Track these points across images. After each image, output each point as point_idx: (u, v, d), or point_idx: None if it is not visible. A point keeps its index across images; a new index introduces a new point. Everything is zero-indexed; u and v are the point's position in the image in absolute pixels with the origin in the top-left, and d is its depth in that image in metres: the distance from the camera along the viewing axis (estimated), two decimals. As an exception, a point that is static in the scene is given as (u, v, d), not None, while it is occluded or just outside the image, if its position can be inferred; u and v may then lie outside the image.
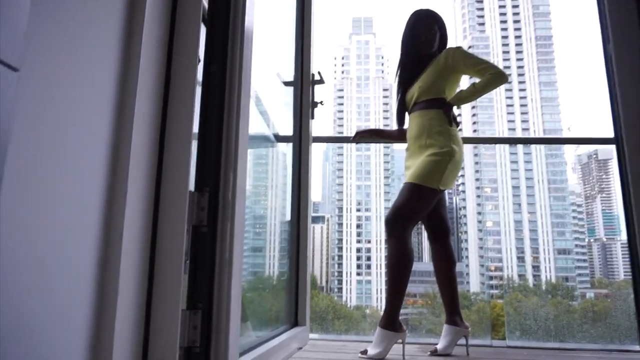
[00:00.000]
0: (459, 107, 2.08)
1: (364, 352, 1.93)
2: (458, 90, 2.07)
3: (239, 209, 1.05)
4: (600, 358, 2.16)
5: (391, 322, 1.89)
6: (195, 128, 1.06)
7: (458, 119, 2.12)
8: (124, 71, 0.83)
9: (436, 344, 2.09)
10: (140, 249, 0.84)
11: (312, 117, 2.25)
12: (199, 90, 1.05)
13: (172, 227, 0.90)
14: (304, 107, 2.21)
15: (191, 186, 1.00)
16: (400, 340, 1.92)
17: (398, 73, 2.21)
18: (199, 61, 1.03)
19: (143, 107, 0.87)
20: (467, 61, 1.98)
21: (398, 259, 1.86)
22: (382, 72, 61.90)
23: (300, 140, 2.20)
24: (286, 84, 2.21)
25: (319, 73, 2.37)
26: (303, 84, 2.24)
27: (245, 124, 1.10)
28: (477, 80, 1.98)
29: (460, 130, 2.14)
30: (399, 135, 2.25)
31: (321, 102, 2.22)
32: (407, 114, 2.20)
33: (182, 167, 0.95)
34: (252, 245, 1.97)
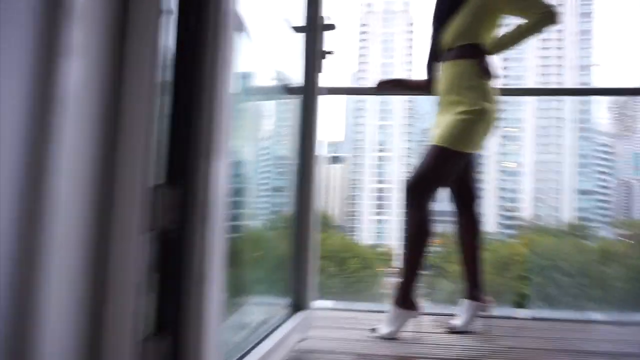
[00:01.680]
0: (496, 53, 1.76)
1: (374, 330, 1.79)
2: (499, 34, 1.79)
3: (221, 207, 0.83)
4: (630, 332, 2.07)
5: (406, 299, 1.75)
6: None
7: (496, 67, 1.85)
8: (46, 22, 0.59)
9: (453, 315, 1.94)
10: (78, 264, 0.64)
11: (320, 70, 1.95)
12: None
13: (125, 232, 0.69)
14: (309, 57, 1.94)
15: (159, 180, 0.79)
16: (415, 318, 1.78)
17: (433, 17, 1.93)
18: (167, 12, 0.77)
19: (78, 75, 0.63)
20: (509, 1, 1.71)
21: (417, 232, 1.70)
22: (408, 4, 58.66)
23: (307, 94, 1.94)
24: (297, 29, 1.98)
25: (328, 18, 2.08)
26: (310, 30, 1.99)
27: (227, 98, 0.84)
28: (522, 22, 1.71)
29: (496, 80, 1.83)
30: (427, 87, 2.00)
31: (330, 52, 1.95)
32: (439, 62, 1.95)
33: (139, 154, 0.70)
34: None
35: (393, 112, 59.07)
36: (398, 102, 57.44)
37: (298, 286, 1.83)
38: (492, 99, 1.74)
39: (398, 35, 59.02)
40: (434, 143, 1.74)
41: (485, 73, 1.76)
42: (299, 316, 1.73)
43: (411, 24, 60.63)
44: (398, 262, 1.97)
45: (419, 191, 1.71)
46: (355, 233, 57.15)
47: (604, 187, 47.82)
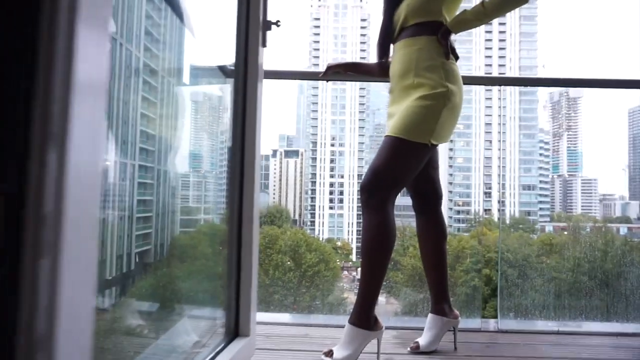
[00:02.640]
0: (456, 33, 1.53)
1: (329, 353, 1.50)
2: (460, 11, 1.55)
3: (78, 223, 0.51)
4: (601, 344, 2.03)
5: (365, 318, 1.46)
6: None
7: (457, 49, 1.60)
8: None
9: (418, 329, 1.75)
10: None
11: (264, 45, 1.56)
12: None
13: None
14: (250, 29, 1.52)
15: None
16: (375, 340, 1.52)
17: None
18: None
19: None
20: None
21: (376, 239, 1.41)
22: (361, 0, 59.24)
23: (246, 74, 1.54)
24: None
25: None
26: None
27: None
28: None
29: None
30: (379, 71, 1.73)
31: (277, 23, 1.59)
32: (392, 44, 1.67)
33: None
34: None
35: (346, 106, 59.80)
36: (350, 96, 58.16)
37: (235, 306, 1.49)
38: (457, 81, 1.49)
39: (351, 30, 59.67)
40: (390, 134, 1.44)
41: (449, 51, 1.50)
42: (238, 344, 1.41)
43: (364, 20, 61.46)
44: (358, 274, 1.78)
45: (376, 192, 1.41)
46: (312, 227, 57.66)
47: (544, 182, 50.94)
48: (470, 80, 2.25)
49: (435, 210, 1.68)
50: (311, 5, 59.50)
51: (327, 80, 1.92)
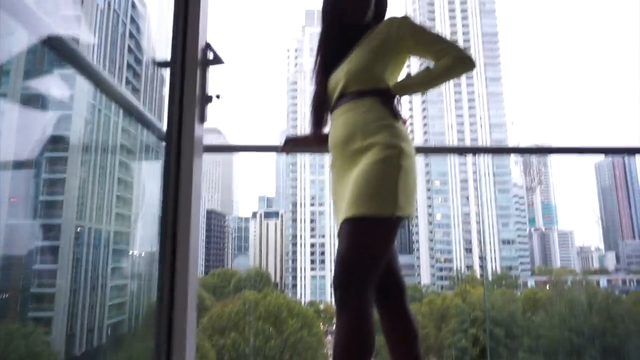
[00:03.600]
0: (401, 96, 1.40)
1: None
2: (404, 76, 1.42)
3: None
4: None
5: None
6: None
7: (407, 114, 1.46)
8: None
9: None
10: None
11: (202, 120, 1.46)
12: None
13: None
14: (185, 101, 1.40)
15: None
16: None
17: (317, 55, 1.49)
18: None
19: None
20: (420, 36, 1.34)
21: (353, 344, 1.17)
22: (335, 66, 61.97)
23: (180, 149, 1.42)
24: (160, 64, 1.47)
25: (211, 49, 1.52)
26: (185, 66, 1.41)
27: None
28: (432, 64, 1.37)
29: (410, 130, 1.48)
30: (315, 141, 1.55)
31: (217, 96, 1.48)
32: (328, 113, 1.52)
33: None
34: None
35: (325, 165, 60.59)
36: (329, 154, 58.95)
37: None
38: (409, 141, 1.32)
39: (327, 94, 61.70)
40: (346, 217, 1.24)
41: (395, 112, 1.34)
42: None
43: (339, 84, 63.83)
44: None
45: (350, 286, 1.20)
46: (294, 290, 56.07)
47: (522, 236, 51.57)
48: (442, 151, 2.22)
49: (401, 306, 1.40)
50: (288, 70, 62.03)
51: (287, 153, 1.77)
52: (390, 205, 1.21)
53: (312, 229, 59.70)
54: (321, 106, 1.49)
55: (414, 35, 1.35)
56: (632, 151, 2.17)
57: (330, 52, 1.47)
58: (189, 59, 1.40)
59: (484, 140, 60.19)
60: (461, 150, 2.66)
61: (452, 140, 57.41)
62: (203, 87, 1.43)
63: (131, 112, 1.68)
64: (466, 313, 15.25)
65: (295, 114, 60.25)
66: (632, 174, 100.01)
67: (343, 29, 1.45)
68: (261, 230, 79.98)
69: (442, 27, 59.76)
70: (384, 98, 1.35)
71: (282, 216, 76.72)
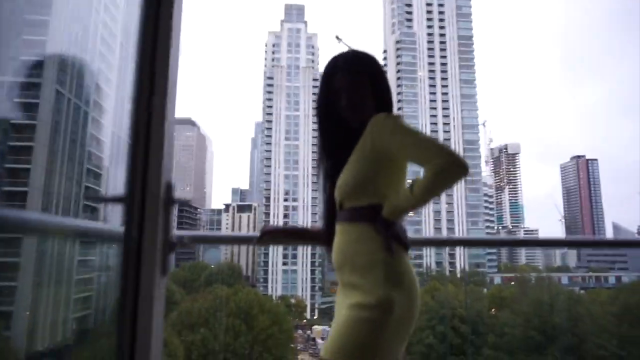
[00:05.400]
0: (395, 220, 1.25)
1: None
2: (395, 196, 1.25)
3: None
4: None
5: None
6: None
7: None
8: None
9: None
10: None
11: (164, 272, 1.23)
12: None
13: None
14: (145, 253, 1.18)
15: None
16: None
17: (319, 158, 1.37)
18: None
19: None
20: (399, 140, 1.17)
21: None
22: (313, 62, 61.88)
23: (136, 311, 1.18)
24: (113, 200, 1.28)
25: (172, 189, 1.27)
26: (145, 205, 1.18)
27: None
28: (418, 173, 1.23)
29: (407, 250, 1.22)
30: (326, 240, 1.38)
31: (183, 240, 1.33)
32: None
33: None
34: None
35: (299, 161, 60.62)
36: (303, 151, 59.21)
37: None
38: (402, 282, 1.15)
39: (303, 89, 61.72)
40: (323, 356, 1.14)
41: (389, 245, 1.18)
42: None
43: (316, 80, 63.88)
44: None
45: None
46: (264, 284, 55.97)
47: (491, 234, 52.92)
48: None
49: None
50: (265, 65, 61.52)
51: (263, 246, 1.62)
52: None
53: (286, 224, 59.30)
54: (330, 215, 1.31)
55: (392, 139, 1.17)
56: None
57: (330, 156, 1.32)
58: (150, 197, 1.16)
59: (456, 141, 61.43)
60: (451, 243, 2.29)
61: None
62: (167, 232, 1.19)
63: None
64: (434, 310, 15.55)
65: (270, 109, 59.84)
66: (595, 176, 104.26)
67: (338, 130, 1.29)
68: (234, 223, 79.40)
69: (419, 30, 60.45)
70: (378, 224, 1.18)
71: (255, 209, 76.49)
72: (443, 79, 60.56)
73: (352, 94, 1.23)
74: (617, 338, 11.45)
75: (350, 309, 1.11)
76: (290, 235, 1.52)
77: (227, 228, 76.21)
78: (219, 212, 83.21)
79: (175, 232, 1.21)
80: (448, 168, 1.10)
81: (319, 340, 28.69)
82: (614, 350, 11.43)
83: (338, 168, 1.27)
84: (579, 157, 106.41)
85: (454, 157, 1.09)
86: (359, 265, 1.15)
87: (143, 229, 1.15)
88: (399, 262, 1.16)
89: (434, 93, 59.99)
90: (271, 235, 1.48)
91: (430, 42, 59.84)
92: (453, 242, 2.15)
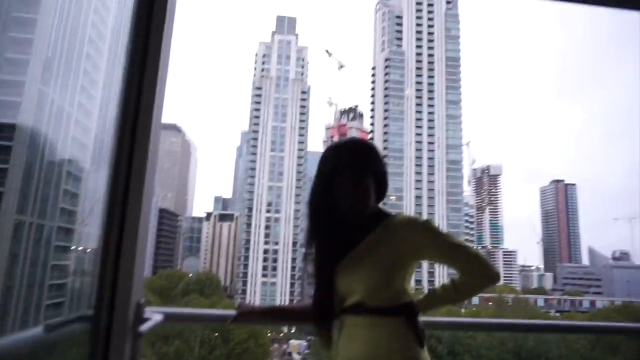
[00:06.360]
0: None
1: None
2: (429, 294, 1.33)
3: None
4: None
5: None
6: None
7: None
8: None
9: None
10: None
11: None
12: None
13: None
14: None
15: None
16: None
17: (309, 246, 1.32)
18: None
19: None
20: (443, 244, 1.21)
21: None
22: (302, 74, 62.24)
23: None
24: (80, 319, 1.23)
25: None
26: (112, 330, 1.11)
27: None
28: (453, 274, 1.30)
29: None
30: (301, 316, 1.40)
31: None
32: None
33: None
34: None
35: (284, 173, 60.49)
36: (288, 163, 59.19)
37: None
38: None
39: (291, 101, 61.94)
40: None
41: (422, 339, 1.21)
42: None
43: (305, 92, 64.27)
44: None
45: None
46: (243, 295, 55.19)
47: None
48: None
49: None
50: (254, 75, 61.61)
51: (238, 324, 1.54)
52: None
53: (267, 235, 59.16)
54: (326, 306, 1.29)
55: (434, 242, 1.21)
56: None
57: (326, 254, 1.28)
58: (117, 321, 1.07)
59: (440, 160, 62.21)
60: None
61: (410, 157, 58.93)
62: (136, 323, 1.11)
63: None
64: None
65: (257, 119, 59.82)
66: (573, 200, 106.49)
67: (339, 227, 1.27)
68: (214, 232, 78.45)
69: (408, 49, 61.45)
70: (409, 318, 1.21)
71: (236, 219, 75.69)
72: (430, 98, 61.48)
73: (356, 201, 1.22)
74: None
75: None
76: (269, 316, 1.48)
77: (207, 237, 75.22)
78: (199, 220, 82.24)
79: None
80: (486, 278, 1.18)
81: (295, 356, 28.25)
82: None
83: (329, 253, 1.25)
84: (558, 181, 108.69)
85: (489, 268, 1.19)
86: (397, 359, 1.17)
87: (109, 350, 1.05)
88: (426, 355, 1.21)
89: (420, 112, 60.82)
90: (248, 317, 1.43)
91: (418, 61, 60.85)
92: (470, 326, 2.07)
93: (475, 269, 1.19)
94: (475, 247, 1.19)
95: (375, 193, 1.24)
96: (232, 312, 1.36)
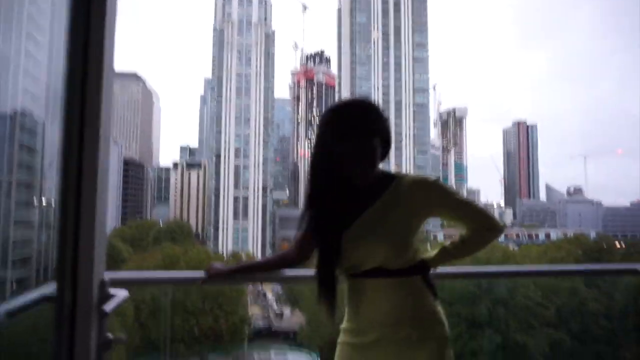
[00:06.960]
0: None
1: None
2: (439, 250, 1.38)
3: None
4: None
5: None
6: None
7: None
8: None
9: None
10: None
11: None
12: None
13: None
14: (77, 351, 1.03)
15: None
16: None
17: (311, 209, 1.29)
18: None
19: None
20: (452, 202, 1.29)
21: None
22: (266, 18, 59.73)
23: None
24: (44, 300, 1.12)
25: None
26: (77, 303, 1.04)
27: None
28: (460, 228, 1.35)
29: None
30: (267, 268, 1.51)
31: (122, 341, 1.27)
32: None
33: None
34: None
35: (251, 119, 59.43)
36: (255, 109, 58.05)
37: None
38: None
39: (255, 46, 59.68)
40: None
41: (435, 291, 1.29)
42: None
43: (268, 36, 61.93)
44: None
45: None
46: (215, 241, 55.76)
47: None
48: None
49: None
50: (215, 19, 58.58)
51: (209, 284, 1.58)
52: None
53: (236, 182, 59.00)
54: (331, 275, 1.29)
55: (444, 201, 1.27)
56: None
57: (332, 216, 1.27)
58: (81, 296, 1.04)
59: (407, 104, 62.46)
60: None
61: (377, 101, 58.75)
62: (102, 334, 1.09)
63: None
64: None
65: (221, 65, 57.62)
66: (534, 141, 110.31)
67: (344, 193, 1.26)
68: (182, 180, 77.58)
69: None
70: (425, 275, 1.27)
71: (205, 167, 74.80)
72: (396, 42, 60.53)
73: (364, 162, 1.23)
74: (541, 289, 12.62)
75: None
76: (238, 274, 1.53)
77: (176, 186, 74.45)
78: (167, 170, 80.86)
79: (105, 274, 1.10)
80: (492, 231, 1.29)
81: (270, 295, 29.36)
82: (538, 300, 12.72)
83: (327, 216, 1.27)
84: (520, 122, 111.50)
85: (493, 221, 1.29)
86: (423, 315, 1.25)
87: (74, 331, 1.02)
88: (440, 306, 1.29)
89: (387, 56, 60.09)
90: (217, 278, 1.48)
91: (385, 3, 59.17)
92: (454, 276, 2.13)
93: (482, 223, 1.28)
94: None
95: (382, 155, 1.27)
96: (200, 273, 1.40)
